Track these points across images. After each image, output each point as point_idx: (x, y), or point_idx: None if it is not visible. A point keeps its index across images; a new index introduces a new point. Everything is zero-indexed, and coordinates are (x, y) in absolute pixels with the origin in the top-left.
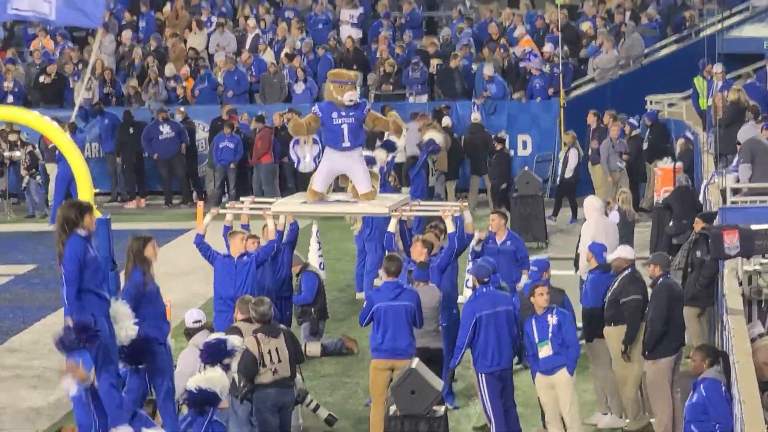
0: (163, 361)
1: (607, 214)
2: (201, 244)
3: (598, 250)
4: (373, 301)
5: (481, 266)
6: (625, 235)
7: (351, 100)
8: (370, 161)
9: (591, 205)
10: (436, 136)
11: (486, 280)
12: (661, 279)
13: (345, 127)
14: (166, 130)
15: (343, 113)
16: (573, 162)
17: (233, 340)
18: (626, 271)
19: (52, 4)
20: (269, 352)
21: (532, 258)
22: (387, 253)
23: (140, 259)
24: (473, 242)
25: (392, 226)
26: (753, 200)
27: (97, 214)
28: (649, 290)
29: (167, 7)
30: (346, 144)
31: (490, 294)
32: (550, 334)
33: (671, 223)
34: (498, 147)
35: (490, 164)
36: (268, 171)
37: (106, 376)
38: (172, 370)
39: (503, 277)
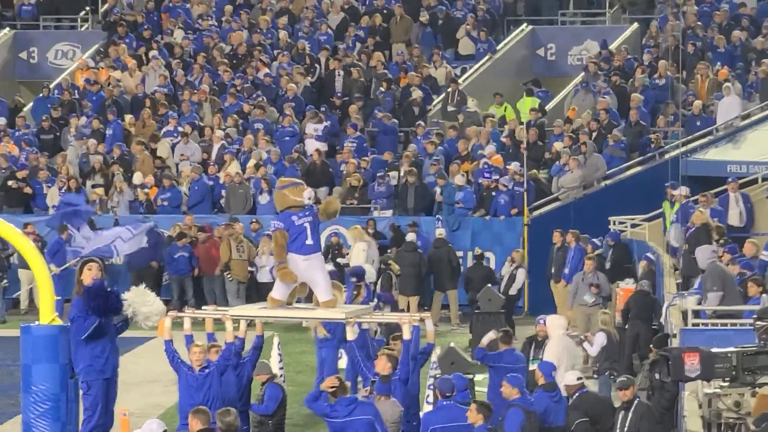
0: None
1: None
2: (169, 350)
3: (546, 369)
4: (328, 415)
5: (445, 380)
6: (613, 356)
7: (310, 197)
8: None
9: (554, 323)
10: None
11: (448, 394)
12: (638, 400)
13: (307, 225)
14: None
15: (301, 214)
16: (519, 281)
17: None
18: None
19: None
20: None
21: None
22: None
23: None
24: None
25: (350, 334)
26: (714, 323)
27: (58, 322)
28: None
29: (131, 117)
30: (309, 242)
31: (450, 408)
32: None
33: (626, 326)
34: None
35: (468, 277)
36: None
37: None
38: None
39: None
